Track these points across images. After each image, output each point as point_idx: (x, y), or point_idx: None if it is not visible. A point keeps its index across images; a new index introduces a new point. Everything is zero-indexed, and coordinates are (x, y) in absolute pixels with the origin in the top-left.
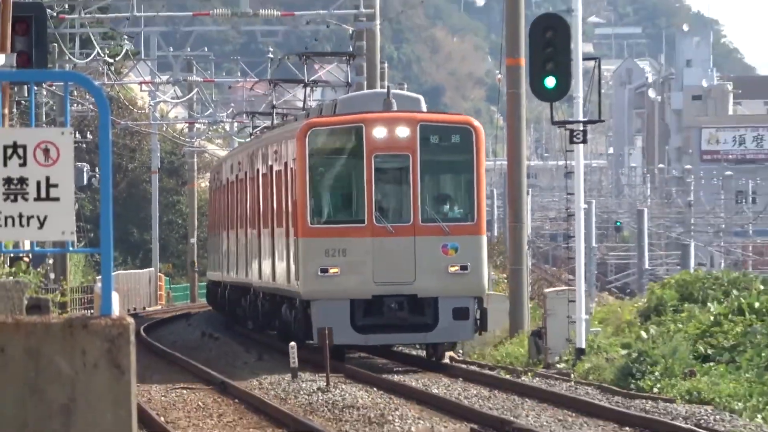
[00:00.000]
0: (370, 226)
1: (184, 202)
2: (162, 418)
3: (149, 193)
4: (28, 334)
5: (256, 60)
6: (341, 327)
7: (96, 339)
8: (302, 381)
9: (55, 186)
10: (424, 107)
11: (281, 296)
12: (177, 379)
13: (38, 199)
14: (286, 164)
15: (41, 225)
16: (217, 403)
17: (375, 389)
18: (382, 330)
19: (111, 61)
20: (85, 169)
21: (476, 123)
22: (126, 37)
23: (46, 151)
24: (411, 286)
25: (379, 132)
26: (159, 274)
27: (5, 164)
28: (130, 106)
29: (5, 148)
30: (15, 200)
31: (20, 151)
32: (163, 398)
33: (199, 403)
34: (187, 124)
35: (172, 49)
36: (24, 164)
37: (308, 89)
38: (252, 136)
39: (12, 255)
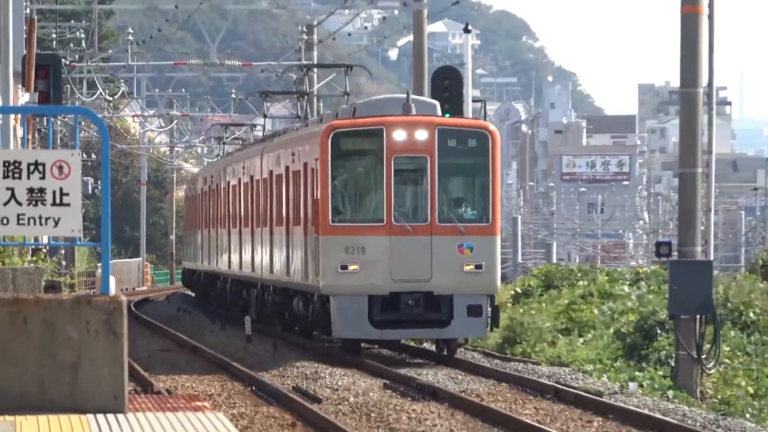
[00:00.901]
0: (389, 226)
1: (166, 208)
2: (147, 373)
3: (139, 200)
4: (45, 308)
5: (222, 99)
6: (359, 322)
7: (97, 312)
8: (255, 346)
9: (67, 195)
10: (440, 112)
11: (295, 291)
12: (159, 343)
13: (54, 204)
14: (305, 165)
15: (56, 224)
16: (190, 362)
17: (311, 354)
18: (398, 325)
19: (110, 98)
20: (89, 181)
21: (492, 128)
22: (122, 80)
23: (60, 168)
24: (427, 283)
25: (399, 135)
26: (145, 262)
27: (29, 177)
28: (125, 134)
29: (28, 165)
30: (36, 205)
31: (40, 167)
32: (148, 358)
33: (176, 361)
34: (168, 148)
35: (157, 90)
36: (43, 177)
37: (302, 103)
38: (229, 147)
39: (33, 247)
